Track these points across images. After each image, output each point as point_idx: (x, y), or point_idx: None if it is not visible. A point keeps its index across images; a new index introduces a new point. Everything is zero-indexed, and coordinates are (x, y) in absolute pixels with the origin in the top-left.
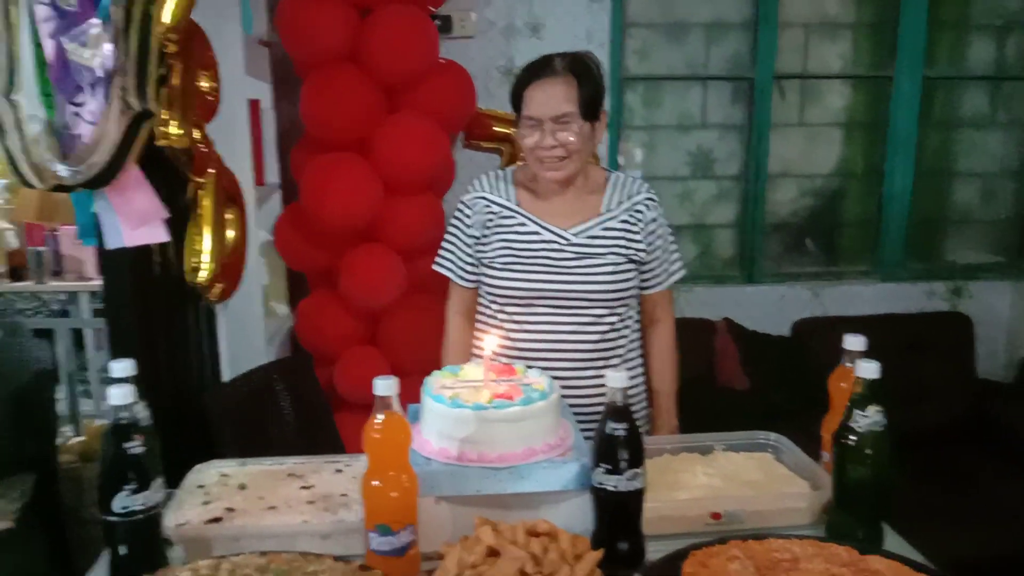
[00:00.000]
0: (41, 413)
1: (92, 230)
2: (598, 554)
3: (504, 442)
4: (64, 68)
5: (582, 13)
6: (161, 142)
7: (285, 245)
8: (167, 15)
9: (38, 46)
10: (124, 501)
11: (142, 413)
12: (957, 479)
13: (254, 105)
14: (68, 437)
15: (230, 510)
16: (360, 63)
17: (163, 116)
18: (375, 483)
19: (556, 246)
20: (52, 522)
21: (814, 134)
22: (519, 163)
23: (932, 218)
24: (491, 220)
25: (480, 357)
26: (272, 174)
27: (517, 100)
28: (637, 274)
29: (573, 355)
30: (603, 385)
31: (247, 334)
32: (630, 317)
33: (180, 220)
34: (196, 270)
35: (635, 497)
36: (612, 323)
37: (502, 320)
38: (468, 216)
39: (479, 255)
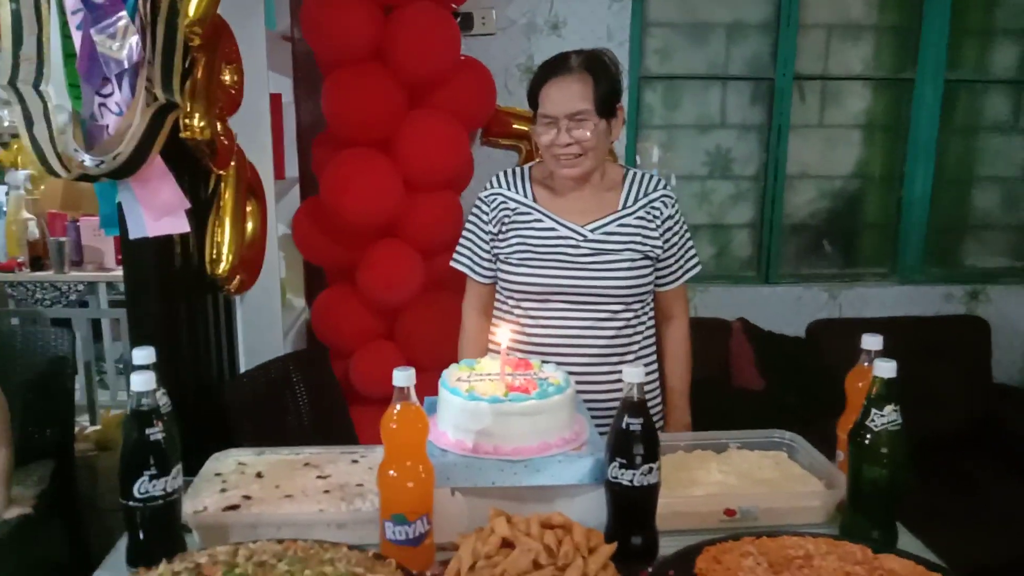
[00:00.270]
0: (59, 401)
1: (115, 220)
2: (612, 547)
3: (520, 435)
4: (92, 60)
5: (603, 12)
6: (185, 134)
7: (303, 239)
8: (193, 9)
9: (67, 38)
10: (144, 486)
11: (163, 400)
12: (971, 483)
13: (275, 100)
14: (84, 427)
15: (247, 498)
16: (383, 61)
17: (187, 108)
18: (392, 473)
19: (572, 242)
20: (69, 509)
21: (834, 136)
22: (536, 160)
23: (951, 222)
24: (508, 216)
25: (496, 352)
26: (292, 168)
27: (533, 98)
28: (653, 271)
29: (588, 351)
30: (618, 381)
31: (264, 326)
32: (645, 314)
33: (201, 212)
34: (216, 261)
35: (650, 492)
36: (627, 319)
37: (518, 316)
38: (485, 213)
39: (496, 251)
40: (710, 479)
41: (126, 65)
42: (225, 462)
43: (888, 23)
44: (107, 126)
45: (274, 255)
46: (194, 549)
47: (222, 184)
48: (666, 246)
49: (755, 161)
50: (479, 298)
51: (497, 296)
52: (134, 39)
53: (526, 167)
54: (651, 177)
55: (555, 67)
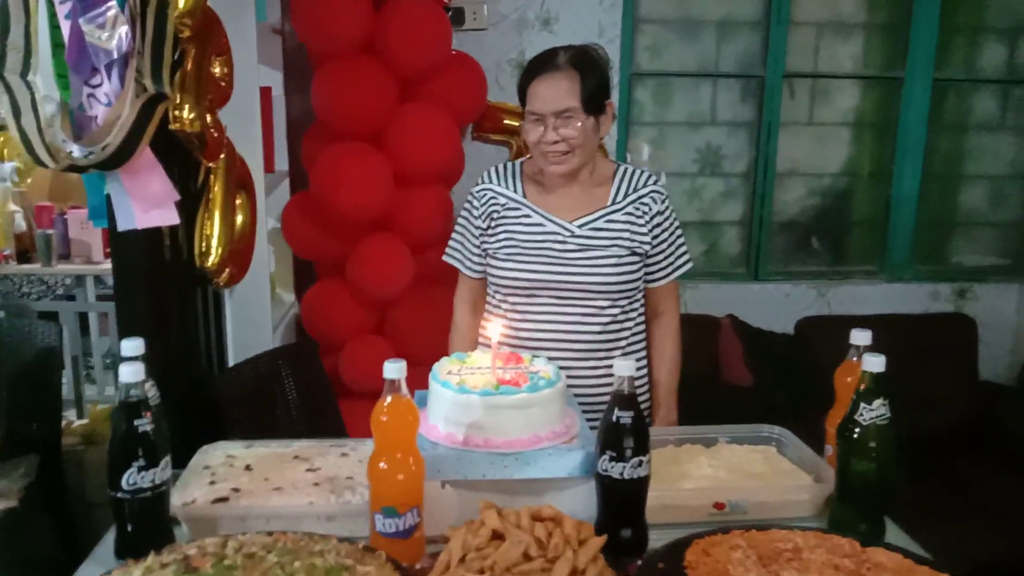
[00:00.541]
0: (45, 395)
1: (103, 212)
2: (602, 540)
3: (510, 428)
4: (80, 50)
5: (594, 7)
6: (174, 126)
7: (293, 233)
8: (183, 0)
9: (55, 28)
10: (132, 478)
11: (151, 391)
12: (959, 481)
13: (265, 93)
14: (72, 421)
15: (236, 490)
16: (374, 54)
17: (177, 100)
18: (382, 465)
19: (559, 237)
20: (56, 503)
21: (823, 133)
22: (528, 156)
23: (939, 220)
24: (497, 212)
25: (487, 346)
26: (281, 162)
27: (522, 94)
28: (642, 266)
29: (575, 346)
30: (605, 376)
31: (254, 320)
32: (634, 310)
33: (191, 205)
34: (205, 254)
35: (639, 485)
36: (614, 315)
37: (506, 310)
38: (475, 208)
39: (485, 246)
40: (699, 473)
41: (115, 55)
42: (214, 455)
43: (878, 21)
44: (96, 117)
45: (263, 249)
46: (183, 541)
47: (211, 177)
48: (655, 242)
49: (745, 158)
50: (470, 292)
51: (487, 291)
52: (123, 29)
53: (518, 163)
54: (642, 173)
55: (543, 63)
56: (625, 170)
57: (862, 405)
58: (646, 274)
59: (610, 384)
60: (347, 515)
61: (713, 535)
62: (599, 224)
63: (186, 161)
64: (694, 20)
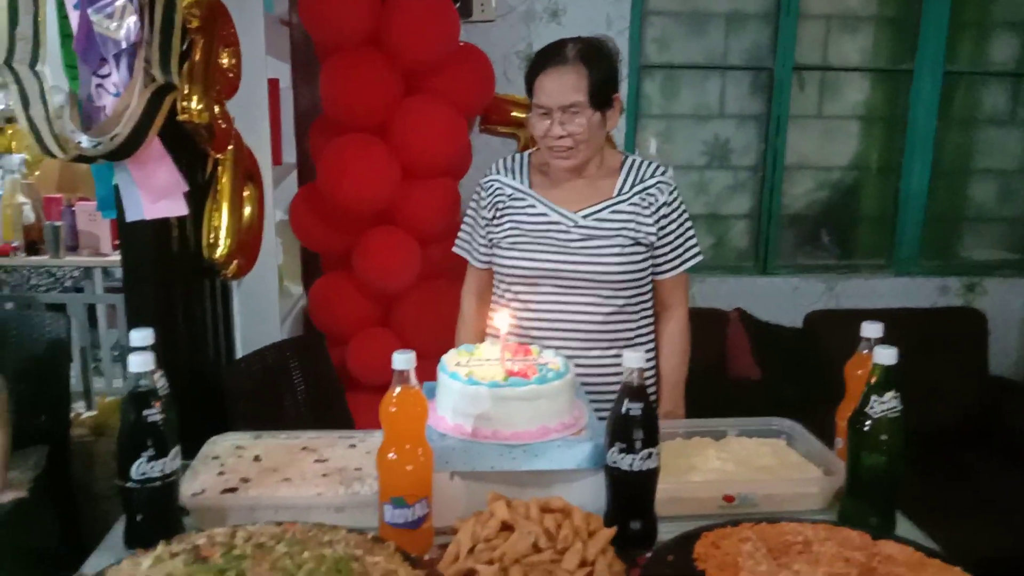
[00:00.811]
0: (54, 386)
1: (112, 203)
2: (611, 531)
3: (519, 420)
4: (89, 40)
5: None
6: (182, 117)
7: (300, 225)
8: None
9: (64, 18)
10: (142, 468)
11: (160, 382)
12: (969, 475)
13: (273, 84)
14: (80, 412)
15: (245, 481)
16: (381, 46)
17: (185, 91)
18: (391, 456)
19: (563, 227)
20: (64, 494)
21: (832, 127)
22: (535, 147)
23: (948, 214)
24: (502, 202)
25: (495, 337)
26: (289, 154)
27: (529, 87)
28: (648, 258)
29: (578, 335)
30: (608, 367)
31: (261, 313)
32: (641, 301)
33: (199, 196)
34: (213, 246)
35: (649, 477)
36: (619, 305)
37: (509, 300)
38: (482, 199)
39: (490, 236)
40: (709, 466)
41: (124, 45)
42: (223, 445)
43: (887, 14)
44: (104, 107)
45: (271, 241)
46: (192, 531)
47: (219, 168)
48: (661, 233)
49: (753, 151)
50: (477, 283)
51: (493, 281)
52: (132, 19)
53: (525, 154)
54: (649, 164)
55: (550, 56)
56: (633, 161)
57: (873, 398)
58: (653, 266)
59: (614, 374)
60: (356, 506)
61: (723, 528)
62: (604, 215)
63: (194, 152)
64: (703, 12)
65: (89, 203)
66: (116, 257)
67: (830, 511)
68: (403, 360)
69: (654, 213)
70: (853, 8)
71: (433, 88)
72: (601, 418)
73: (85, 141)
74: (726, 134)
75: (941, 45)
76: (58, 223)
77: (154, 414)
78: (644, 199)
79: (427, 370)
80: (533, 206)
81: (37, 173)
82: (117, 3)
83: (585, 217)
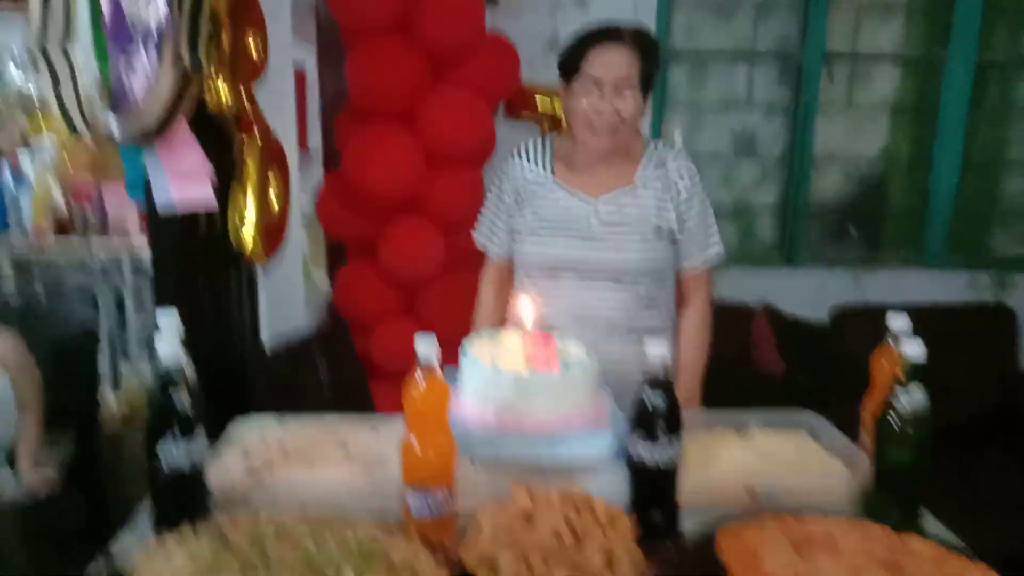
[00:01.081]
0: (83, 370)
1: (140, 185)
2: (633, 521)
3: (541, 410)
4: (119, 23)
5: None
6: (209, 100)
7: (325, 214)
8: None
9: (94, 1)
10: (168, 450)
11: (187, 366)
12: (994, 474)
13: (299, 71)
14: (108, 398)
15: (269, 464)
16: (408, 33)
17: (212, 75)
18: (413, 443)
19: (583, 214)
20: (92, 478)
21: (861, 117)
22: (558, 132)
23: (979, 208)
24: (524, 188)
25: (518, 326)
26: (315, 141)
27: (576, 60)
28: (670, 248)
29: (599, 326)
30: (631, 356)
31: (287, 300)
32: (663, 292)
33: (225, 180)
34: (239, 230)
35: (671, 468)
36: (641, 296)
37: (530, 288)
38: (505, 185)
39: (512, 224)
40: (731, 458)
41: (152, 29)
42: (247, 429)
43: (920, 2)
44: (133, 89)
45: (297, 228)
46: (216, 514)
47: (245, 153)
48: (681, 219)
49: (781, 142)
50: (495, 271)
51: (514, 270)
52: (161, 3)
53: (548, 139)
54: (671, 150)
55: (607, 33)
56: (654, 149)
57: (899, 390)
58: (676, 258)
59: (635, 364)
60: (378, 492)
61: (745, 520)
62: (625, 201)
63: (220, 137)
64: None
65: (118, 187)
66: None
67: (854, 506)
68: (427, 346)
69: (675, 197)
70: None
71: (458, 75)
72: (623, 409)
73: (114, 123)
74: (753, 124)
75: (975, 34)
76: (87, 207)
77: (180, 397)
78: (666, 185)
79: (450, 358)
80: (554, 193)
81: (65, 154)
82: None
83: (606, 204)
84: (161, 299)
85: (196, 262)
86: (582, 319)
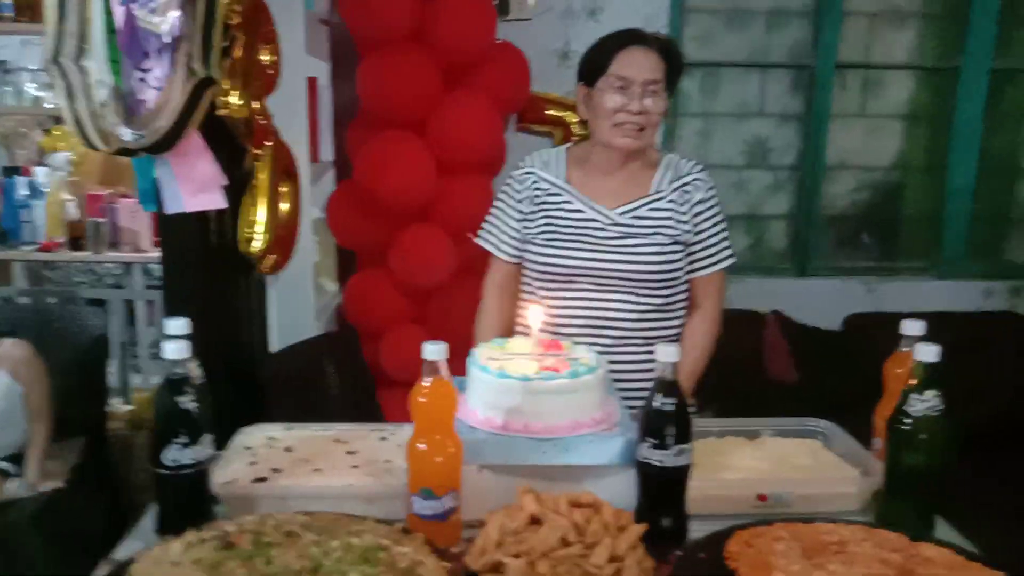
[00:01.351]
0: (93, 379)
1: (152, 196)
2: (642, 527)
3: (550, 414)
4: (132, 34)
5: None
6: (222, 112)
7: (337, 222)
8: None
9: (108, 13)
10: (174, 454)
11: (195, 370)
12: (1011, 483)
13: (312, 82)
14: (118, 407)
15: (276, 471)
16: (421, 42)
17: (224, 86)
18: (420, 447)
19: (599, 224)
20: (101, 485)
21: (875, 125)
22: (573, 141)
23: (995, 216)
24: (538, 196)
25: (525, 333)
26: (327, 152)
27: (604, 60)
28: (684, 256)
29: (612, 332)
30: (643, 364)
31: (297, 308)
32: (677, 300)
33: (237, 191)
34: (250, 240)
35: (681, 473)
36: (655, 304)
37: (542, 297)
38: (517, 192)
39: (524, 231)
40: (742, 464)
41: (166, 40)
42: (254, 436)
43: (934, 10)
44: (146, 101)
45: (308, 238)
46: (222, 519)
47: (257, 164)
48: (696, 230)
49: (793, 151)
50: (502, 276)
51: (523, 277)
52: (175, 14)
53: (563, 148)
54: (687, 161)
55: (634, 35)
56: (670, 159)
57: (913, 396)
58: (688, 264)
59: (648, 370)
60: (385, 497)
61: (756, 527)
62: (642, 212)
63: (233, 148)
64: (743, 9)
65: (130, 200)
66: (156, 254)
67: (867, 513)
68: (434, 351)
69: (690, 210)
70: (898, 4)
71: (471, 85)
72: (634, 416)
73: (127, 134)
74: (766, 133)
75: (990, 41)
76: (101, 220)
77: (187, 401)
78: (681, 196)
79: (459, 368)
80: (569, 202)
81: (78, 162)
82: None
83: (623, 214)
84: (172, 306)
85: (207, 270)
86: (597, 327)
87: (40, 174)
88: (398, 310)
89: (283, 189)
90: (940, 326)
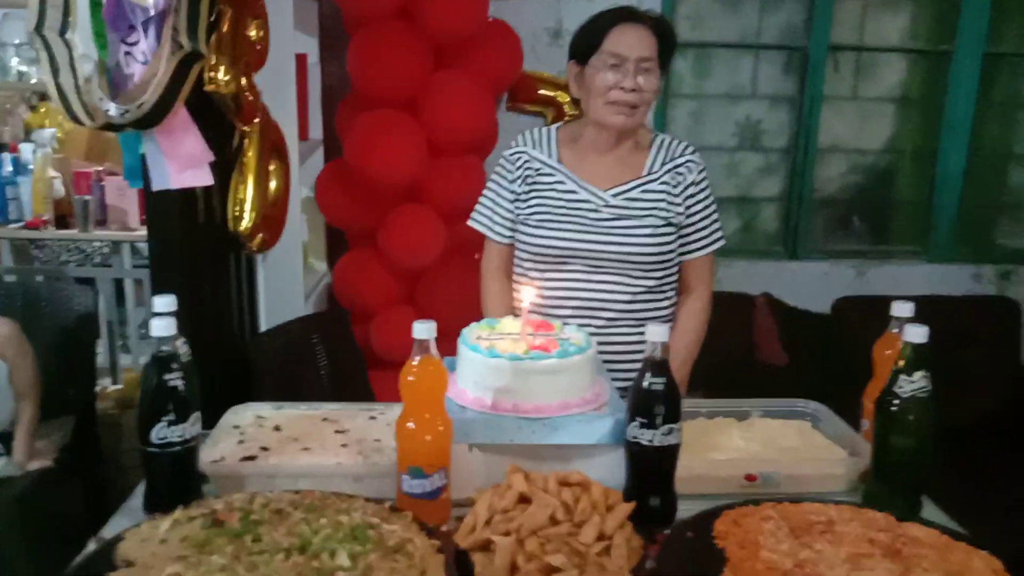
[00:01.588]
0: (82, 358)
1: (139, 172)
2: (630, 506)
3: (539, 394)
4: (118, 7)
5: None
6: (209, 87)
7: (326, 201)
8: None
9: None
10: (162, 432)
11: (182, 348)
12: (999, 470)
13: (301, 59)
14: (106, 386)
15: (265, 449)
16: (410, 20)
17: (212, 61)
18: (409, 425)
19: (592, 206)
20: (90, 464)
21: (867, 109)
22: (564, 120)
23: (985, 201)
24: (531, 176)
25: (518, 313)
26: (316, 130)
27: (597, 37)
28: (676, 238)
29: (604, 314)
30: (634, 345)
31: (286, 288)
32: (668, 281)
33: (225, 168)
34: (238, 218)
35: (669, 453)
36: (648, 286)
37: (534, 278)
38: (509, 172)
39: (517, 212)
40: (731, 445)
41: (152, 13)
42: (243, 415)
43: None
44: (132, 75)
45: (297, 217)
46: (210, 497)
47: (246, 141)
48: (688, 212)
49: (785, 133)
50: (498, 258)
51: (516, 258)
52: None
53: (553, 127)
54: (679, 143)
55: (627, 13)
56: (662, 140)
57: (902, 377)
58: (680, 247)
59: (640, 354)
60: (374, 476)
61: (744, 506)
62: (635, 194)
63: (221, 125)
64: None
65: (118, 177)
66: (144, 232)
67: (854, 493)
68: (424, 329)
69: (683, 192)
70: None
71: (461, 64)
72: (624, 396)
73: (113, 109)
74: (758, 115)
75: (983, 25)
76: (87, 197)
77: (175, 379)
78: (674, 178)
79: (450, 348)
80: (562, 182)
81: (63, 136)
82: None
83: (616, 196)
84: (160, 285)
85: (195, 248)
86: (589, 308)
87: (26, 151)
88: (388, 291)
89: (272, 167)
90: (928, 310)
